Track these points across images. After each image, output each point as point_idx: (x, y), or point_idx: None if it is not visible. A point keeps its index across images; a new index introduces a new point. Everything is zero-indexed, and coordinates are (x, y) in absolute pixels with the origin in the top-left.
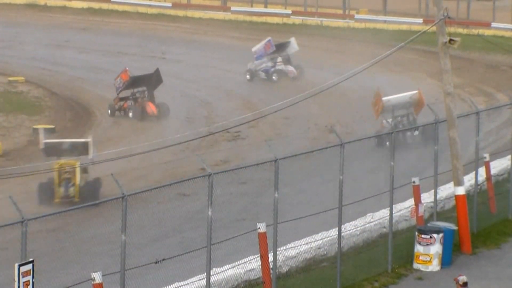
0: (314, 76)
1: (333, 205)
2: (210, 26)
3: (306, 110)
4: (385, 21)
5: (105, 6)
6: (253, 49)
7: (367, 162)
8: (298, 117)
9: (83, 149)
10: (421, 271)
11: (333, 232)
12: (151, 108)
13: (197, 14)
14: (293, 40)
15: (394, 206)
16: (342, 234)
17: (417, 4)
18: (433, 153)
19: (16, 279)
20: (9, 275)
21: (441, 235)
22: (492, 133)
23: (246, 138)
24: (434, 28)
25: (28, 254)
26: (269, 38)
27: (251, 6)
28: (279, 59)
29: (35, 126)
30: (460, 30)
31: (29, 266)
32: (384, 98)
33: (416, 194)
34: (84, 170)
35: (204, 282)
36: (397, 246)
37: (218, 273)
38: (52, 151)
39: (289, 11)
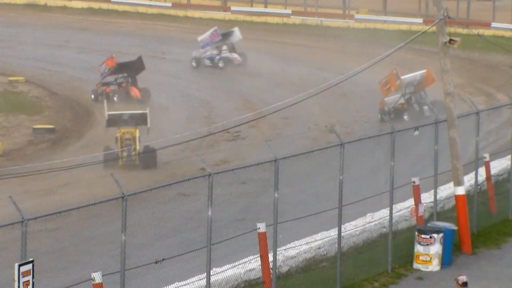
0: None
1: (333, 205)
2: (210, 26)
3: (306, 110)
4: (385, 21)
5: (105, 6)
6: (199, 38)
7: (367, 162)
8: (298, 117)
9: (142, 119)
10: (421, 271)
11: (333, 232)
12: (134, 92)
13: (197, 14)
14: (236, 30)
15: (394, 206)
16: (342, 234)
17: (417, 4)
18: (433, 153)
19: (16, 279)
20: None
21: (441, 235)
22: (492, 133)
23: (246, 138)
24: (434, 28)
25: (28, 254)
26: (215, 27)
27: (251, 6)
28: (224, 47)
29: (35, 126)
30: (460, 30)
31: (29, 266)
32: (402, 77)
33: (416, 194)
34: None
35: (204, 282)
36: (397, 246)
37: (218, 273)
38: (114, 122)
39: (289, 11)
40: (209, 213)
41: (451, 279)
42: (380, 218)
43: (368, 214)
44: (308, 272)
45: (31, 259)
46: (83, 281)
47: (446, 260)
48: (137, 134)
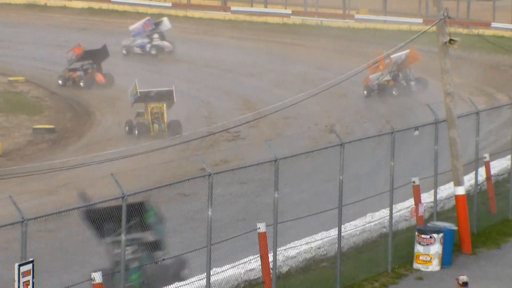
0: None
1: (333, 205)
2: (210, 26)
3: (306, 110)
4: (385, 21)
5: (105, 6)
6: (131, 28)
7: (367, 162)
8: (298, 117)
9: (168, 95)
10: (421, 271)
11: (333, 232)
12: (99, 77)
13: (197, 14)
14: (165, 19)
15: (394, 206)
16: (342, 234)
17: (417, 4)
18: (433, 153)
19: (16, 279)
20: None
21: (441, 235)
22: (492, 133)
23: (246, 138)
24: (434, 28)
25: (28, 254)
26: (148, 17)
27: (251, 6)
28: (156, 35)
29: (35, 126)
30: (460, 30)
31: (29, 266)
32: (393, 56)
33: (416, 194)
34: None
35: (204, 282)
36: (397, 246)
37: (218, 273)
38: (141, 98)
39: (289, 11)
40: (209, 213)
41: (451, 279)
42: (380, 218)
43: (368, 214)
44: (308, 272)
45: (31, 259)
46: (83, 281)
47: (446, 260)
48: (164, 109)
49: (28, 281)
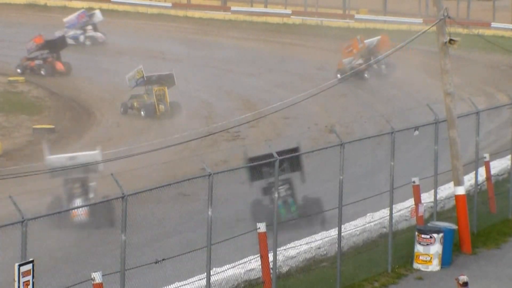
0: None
1: (333, 205)
2: (210, 26)
3: (306, 110)
4: (385, 21)
5: (105, 6)
6: (65, 20)
7: (367, 162)
8: (298, 117)
9: (169, 79)
10: (421, 271)
11: (333, 232)
12: (59, 66)
13: (197, 14)
14: (98, 12)
15: (394, 206)
16: (342, 234)
17: (417, 4)
18: (433, 153)
19: (16, 279)
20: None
21: (441, 235)
22: (492, 133)
23: (246, 138)
24: (434, 28)
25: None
26: (83, 9)
27: (251, 6)
28: (89, 27)
29: (35, 126)
30: (460, 30)
31: (29, 266)
32: (366, 41)
33: (416, 194)
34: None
35: (204, 282)
36: (397, 246)
37: (218, 273)
38: (145, 82)
39: (289, 11)
40: (209, 213)
41: (451, 279)
42: (380, 218)
43: (368, 214)
44: (308, 272)
45: (31, 259)
46: (83, 281)
47: (446, 260)
48: (166, 91)
49: (28, 281)
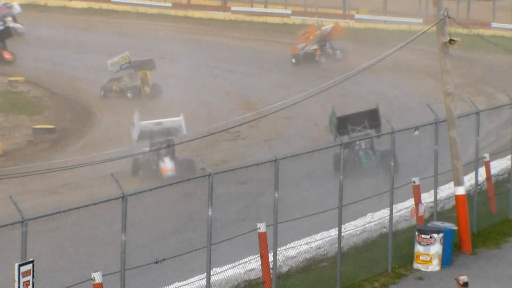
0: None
1: (333, 205)
2: (210, 26)
3: (306, 110)
4: (385, 21)
5: (105, 6)
6: None
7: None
8: (298, 117)
9: (150, 64)
10: (421, 271)
11: (333, 232)
12: (7, 55)
13: (197, 14)
14: (16, 4)
15: (394, 206)
16: (342, 234)
17: (417, 4)
18: (433, 153)
19: (16, 279)
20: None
21: (441, 235)
22: (492, 133)
23: (246, 138)
24: (434, 28)
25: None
26: (4, 2)
27: (251, 6)
28: (9, 18)
29: (35, 126)
30: (460, 30)
31: (29, 266)
32: (323, 28)
33: (416, 194)
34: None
35: (204, 282)
36: (397, 246)
37: (218, 273)
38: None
39: (289, 11)
40: (209, 213)
41: (451, 279)
42: (380, 218)
43: (368, 214)
44: (308, 272)
45: (31, 259)
46: (83, 281)
47: (446, 260)
48: (148, 74)
49: (28, 281)
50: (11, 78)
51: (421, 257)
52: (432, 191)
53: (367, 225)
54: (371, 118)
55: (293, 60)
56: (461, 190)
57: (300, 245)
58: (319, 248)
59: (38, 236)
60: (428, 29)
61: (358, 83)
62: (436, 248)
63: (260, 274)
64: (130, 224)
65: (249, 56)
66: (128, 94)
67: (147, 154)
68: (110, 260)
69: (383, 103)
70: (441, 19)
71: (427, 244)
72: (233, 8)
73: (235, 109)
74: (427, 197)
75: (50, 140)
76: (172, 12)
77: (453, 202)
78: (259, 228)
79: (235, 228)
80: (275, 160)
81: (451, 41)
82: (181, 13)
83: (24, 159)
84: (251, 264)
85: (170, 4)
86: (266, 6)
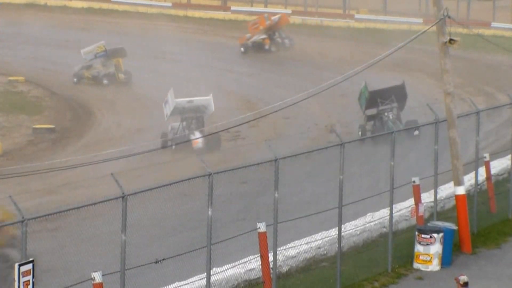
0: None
1: (333, 205)
2: (210, 26)
3: (306, 110)
4: (385, 21)
5: (105, 6)
6: None
7: (367, 162)
8: (298, 117)
9: (122, 52)
10: (421, 270)
11: (333, 232)
12: None
13: (197, 14)
14: None
15: (394, 206)
16: (342, 234)
17: (417, 4)
18: (433, 153)
19: (16, 278)
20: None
21: (441, 235)
22: (492, 133)
23: (246, 138)
24: (434, 28)
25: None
26: None
27: (251, 6)
28: None
29: (35, 126)
30: (460, 30)
31: (29, 266)
32: (273, 18)
33: (416, 194)
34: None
35: (204, 281)
36: (397, 246)
37: (218, 272)
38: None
39: (289, 11)
40: (209, 213)
41: (451, 279)
42: (380, 218)
43: (368, 214)
44: (308, 272)
45: (31, 259)
46: (83, 280)
47: (446, 260)
48: (121, 62)
49: (28, 281)
50: (11, 78)
51: (421, 257)
52: (432, 191)
53: (367, 224)
54: (398, 92)
55: (242, 49)
56: (461, 190)
57: (300, 245)
58: (319, 248)
59: (38, 236)
60: (428, 29)
61: (357, 83)
62: (436, 248)
63: (260, 274)
64: (130, 223)
65: (249, 56)
66: (104, 81)
67: (177, 128)
68: (110, 260)
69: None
70: (441, 19)
71: (427, 244)
72: (233, 8)
73: (235, 109)
74: (427, 197)
75: (50, 140)
76: (172, 12)
77: (453, 202)
78: (259, 227)
79: (235, 228)
80: (275, 160)
81: (451, 41)
82: (181, 13)
83: (24, 159)
84: (251, 264)
85: (170, 4)
86: (266, 6)
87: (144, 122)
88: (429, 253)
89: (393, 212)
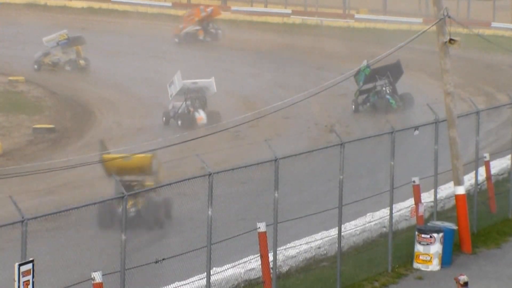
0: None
1: (333, 205)
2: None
3: (306, 110)
4: (385, 21)
5: (105, 6)
6: None
7: (367, 162)
8: (298, 117)
9: (81, 40)
10: (421, 270)
11: (333, 232)
12: None
13: None
14: None
15: (394, 205)
16: (342, 233)
17: (417, 4)
18: (433, 153)
19: (16, 278)
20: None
21: (441, 234)
22: (492, 133)
23: (246, 138)
24: (434, 28)
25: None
26: None
27: (251, 5)
28: None
29: (35, 126)
30: (460, 30)
31: (29, 266)
32: (208, 9)
33: (416, 194)
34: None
35: (204, 281)
36: (397, 245)
37: (218, 272)
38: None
39: (289, 11)
40: (209, 212)
41: (451, 278)
42: (380, 218)
43: (368, 214)
44: (308, 272)
45: (31, 259)
46: (83, 280)
47: (446, 260)
48: (81, 49)
49: (28, 281)
50: (11, 78)
51: (421, 257)
52: (432, 191)
53: (367, 224)
54: (394, 69)
55: (176, 39)
56: (461, 190)
57: (300, 244)
58: (319, 247)
59: (38, 236)
60: (428, 29)
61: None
62: (436, 248)
63: (260, 273)
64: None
65: (249, 56)
66: (67, 67)
67: (182, 107)
68: (110, 260)
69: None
70: (441, 19)
71: (427, 244)
72: (233, 8)
73: (235, 109)
74: (427, 197)
75: (50, 140)
76: (172, 12)
77: (453, 202)
78: (259, 227)
79: (235, 227)
80: (275, 160)
81: (451, 40)
82: (181, 13)
83: (24, 159)
84: (251, 264)
85: (170, 4)
86: (266, 6)
87: (144, 122)
88: (429, 253)
89: (393, 212)
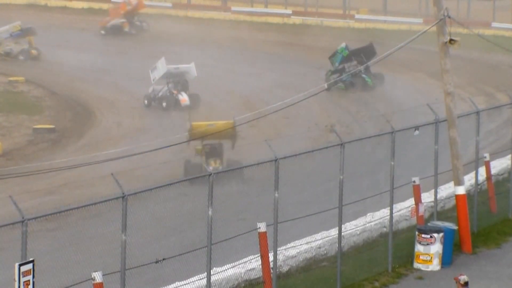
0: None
1: (333, 205)
2: (211, 26)
3: (306, 110)
4: (385, 21)
5: (105, 6)
6: None
7: (367, 162)
8: (298, 117)
9: (32, 31)
10: (422, 270)
11: (333, 232)
12: None
13: (197, 14)
14: None
15: (394, 205)
16: (342, 233)
17: (417, 4)
18: (433, 153)
19: (17, 278)
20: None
21: (441, 234)
22: (492, 133)
23: (246, 138)
24: (434, 28)
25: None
26: None
27: (251, 6)
28: None
29: (35, 126)
30: (460, 30)
31: (30, 266)
32: (134, 3)
33: (416, 194)
34: None
35: (204, 281)
36: (398, 245)
37: (219, 272)
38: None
39: (289, 11)
40: (209, 212)
41: (452, 278)
42: (381, 218)
43: (368, 214)
44: (308, 272)
45: (31, 259)
46: (83, 280)
47: (447, 260)
48: (33, 40)
49: (28, 280)
50: (11, 78)
51: (421, 257)
52: (432, 191)
53: (367, 224)
54: (368, 51)
55: (103, 31)
56: (461, 190)
57: (300, 244)
58: (319, 247)
59: (38, 236)
60: (428, 29)
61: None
62: (436, 248)
63: (260, 273)
64: (129, 223)
65: (249, 55)
66: (21, 57)
67: (165, 90)
68: (110, 260)
69: (383, 102)
70: (441, 19)
71: (427, 244)
72: (233, 8)
73: (235, 109)
74: (427, 197)
75: (50, 140)
76: (173, 12)
77: (453, 202)
78: (259, 227)
79: (235, 228)
80: (275, 160)
81: (451, 41)
82: (181, 13)
83: (24, 159)
84: (252, 264)
85: (170, 4)
86: (266, 6)
87: (145, 122)
88: (430, 253)
89: (394, 212)
